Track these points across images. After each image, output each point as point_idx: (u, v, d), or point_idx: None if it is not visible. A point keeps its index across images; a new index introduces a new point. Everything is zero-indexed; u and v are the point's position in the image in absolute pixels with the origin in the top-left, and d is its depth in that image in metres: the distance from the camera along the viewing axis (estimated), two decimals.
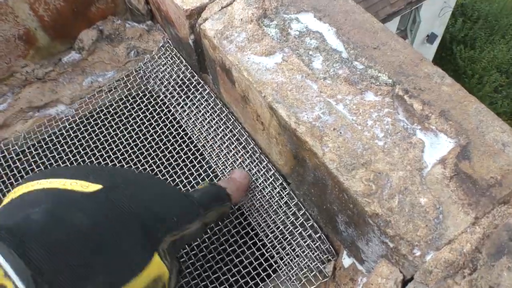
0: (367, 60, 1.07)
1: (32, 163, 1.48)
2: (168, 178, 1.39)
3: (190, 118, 1.46)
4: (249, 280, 1.17)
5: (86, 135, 1.51)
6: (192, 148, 1.42)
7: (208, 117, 1.44)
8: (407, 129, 0.94)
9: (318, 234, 1.18)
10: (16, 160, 1.48)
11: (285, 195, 1.24)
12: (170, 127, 1.48)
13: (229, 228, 1.26)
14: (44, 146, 1.49)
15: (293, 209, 1.23)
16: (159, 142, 1.46)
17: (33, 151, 1.49)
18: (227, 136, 1.38)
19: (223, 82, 1.30)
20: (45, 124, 1.53)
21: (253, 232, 1.24)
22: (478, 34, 9.34)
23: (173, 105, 1.50)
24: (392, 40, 1.11)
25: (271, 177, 1.28)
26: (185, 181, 1.37)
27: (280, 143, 1.12)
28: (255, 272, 1.18)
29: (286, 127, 1.02)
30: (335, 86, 1.03)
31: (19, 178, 1.46)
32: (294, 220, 1.21)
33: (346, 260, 1.11)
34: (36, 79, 1.61)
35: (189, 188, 1.35)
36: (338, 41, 1.12)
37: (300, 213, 1.21)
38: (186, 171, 1.38)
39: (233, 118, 1.40)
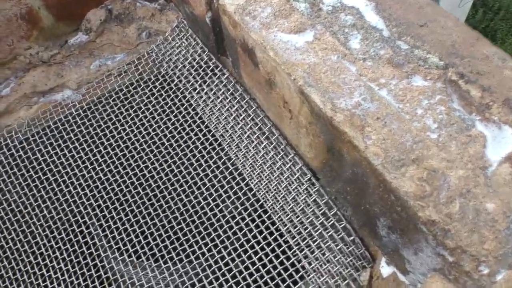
0: (412, 39, 0.92)
1: (37, 151, 1.36)
2: (183, 170, 1.26)
3: (207, 105, 1.33)
4: (273, 287, 1.04)
5: (94, 122, 1.38)
6: (210, 137, 1.29)
7: (227, 104, 1.30)
8: (464, 120, 0.79)
9: (352, 237, 1.05)
10: (20, 149, 1.36)
11: (313, 192, 1.11)
12: (185, 114, 1.35)
13: (251, 228, 1.13)
14: (49, 134, 1.38)
15: (323, 208, 1.09)
16: (173, 131, 1.33)
17: (38, 139, 1.37)
18: (249, 125, 1.25)
19: (244, 65, 1.17)
20: (50, 110, 1.41)
21: (278, 233, 1.11)
22: (499, 25, 9.04)
23: (189, 90, 1.37)
24: (441, 16, 0.96)
25: (297, 172, 1.14)
26: (201, 173, 1.24)
27: (311, 134, 0.98)
28: (279, 278, 1.05)
29: (320, 115, 0.88)
30: (377, 69, 0.89)
31: (22, 168, 1.35)
32: (324, 221, 1.08)
33: (385, 269, 0.97)
34: (40, 62, 1.49)
35: (206, 182, 1.22)
36: (378, 17, 0.98)
37: (331, 213, 1.08)
38: (203, 163, 1.25)
39: (255, 105, 1.26)
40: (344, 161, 0.90)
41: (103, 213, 1.27)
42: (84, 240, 1.28)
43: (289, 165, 1.16)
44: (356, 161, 0.84)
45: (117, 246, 1.21)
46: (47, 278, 1.22)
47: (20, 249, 1.30)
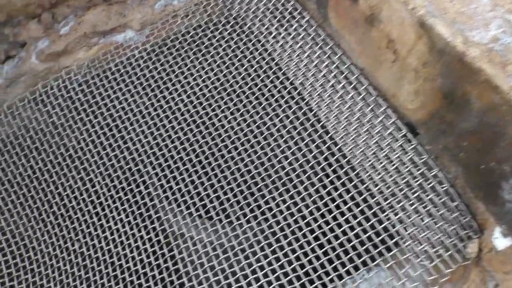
0: None
1: (96, 95, 1.26)
2: (257, 120, 1.14)
3: (285, 51, 1.19)
4: (363, 253, 0.91)
5: (158, 66, 1.27)
6: (288, 85, 1.16)
7: (308, 49, 1.16)
8: None
9: (456, 203, 0.91)
10: (79, 91, 1.27)
11: (409, 150, 0.97)
12: (260, 60, 1.22)
13: (336, 186, 1.00)
14: (110, 77, 1.27)
15: (421, 168, 0.95)
16: (246, 77, 1.20)
17: (98, 82, 1.28)
18: (333, 74, 1.11)
19: (335, 2, 1.02)
20: (111, 51, 1.30)
21: (367, 193, 0.98)
22: None
23: (263, 34, 1.23)
24: None
25: (391, 126, 1.00)
26: (278, 124, 1.12)
27: (422, 78, 0.83)
28: (370, 243, 0.92)
29: (445, 52, 0.73)
30: None
31: (81, 111, 1.26)
32: (423, 182, 0.94)
33: (500, 241, 0.83)
34: (101, 0, 1.38)
35: (283, 134, 1.09)
36: None
37: (431, 174, 0.94)
38: (280, 113, 1.12)
39: (340, 52, 1.12)
40: (467, 108, 0.76)
41: (161, 163, 1.16)
42: (142, 192, 1.18)
43: (380, 118, 1.02)
44: (490, 106, 0.70)
45: (174, 199, 1.11)
46: (106, 228, 1.14)
47: (79, 197, 1.21)
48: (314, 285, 0.90)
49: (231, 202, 1.06)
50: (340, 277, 0.91)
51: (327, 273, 0.92)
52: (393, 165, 0.98)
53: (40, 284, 1.16)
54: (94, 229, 1.17)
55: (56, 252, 1.19)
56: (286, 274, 0.93)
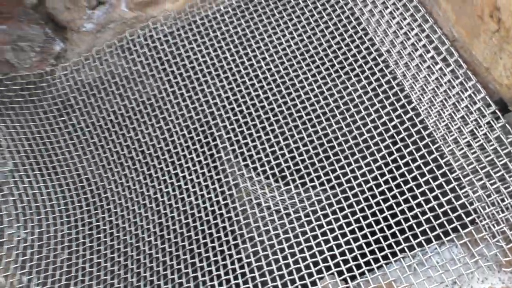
0: None
1: (180, 47, 1.29)
2: (339, 84, 1.13)
3: (373, 15, 1.16)
4: (437, 227, 0.90)
5: (243, 22, 1.27)
6: (373, 51, 1.13)
7: (398, 15, 1.13)
8: None
9: None
10: (164, 42, 1.30)
11: (497, 128, 0.93)
12: (347, 23, 1.19)
13: (415, 157, 0.98)
14: (195, 30, 1.30)
15: (507, 148, 0.91)
16: (330, 40, 1.19)
17: (182, 34, 1.30)
18: (422, 42, 1.07)
19: None
20: (197, 5, 1.32)
21: (447, 167, 0.96)
22: None
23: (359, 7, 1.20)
24: None
25: (479, 101, 0.96)
26: (360, 90, 1.10)
27: None
28: (445, 218, 0.91)
29: None
30: None
31: (165, 62, 1.29)
32: (508, 162, 0.91)
33: None
34: None
35: (364, 100, 1.08)
36: None
37: None
38: (363, 79, 1.11)
39: (432, 20, 1.08)
40: None
41: (238, 119, 1.18)
42: (211, 152, 1.21)
43: (469, 92, 0.98)
44: None
45: (244, 162, 1.13)
46: (181, 178, 1.18)
47: (156, 145, 1.27)
48: (383, 253, 0.91)
49: (305, 164, 1.07)
50: (411, 248, 0.90)
51: (397, 243, 0.91)
52: (478, 141, 0.95)
53: (116, 224, 1.23)
54: (169, 177, 1.22)
55: (131, 195, 1.26)
56: (356, 239, 0.94)
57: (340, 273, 0.91)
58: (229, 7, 1.30)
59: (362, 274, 0.90)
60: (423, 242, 0.90)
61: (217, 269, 1.01)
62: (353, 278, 0.91)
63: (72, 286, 1.13)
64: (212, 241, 1.06)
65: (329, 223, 0.98)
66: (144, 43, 1.31)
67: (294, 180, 1.07)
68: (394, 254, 0.91)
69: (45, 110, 1.32)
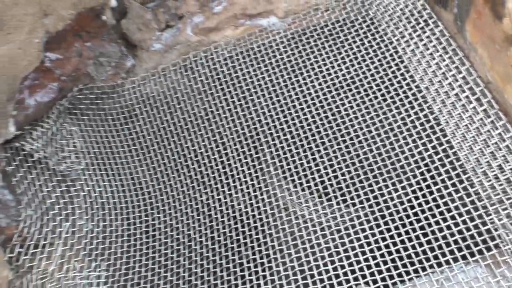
0: None
1: (238, 70, 1.44)
2: (380, 114, 1.26)
3: (415, 55, 1.30)
4: (463, 248, 1.02)
5: (296, 53, 1.42)
6: (413, 88, 1.26)
7: (438, 57, 1.26)
8: None
9: None
10: (223, 65, 1.45)
11: None
12: (390, 60, 1.33)
13: (447, 184, 1.11)
14: (252, 56, 1.45)
15: None
16: (375, 74, 1.32)
17: (240, 58, 1.45)
18: (458, 83, 1.20)
19: (477, 17, 1.11)
20: (255, 33, 1.47)
21: (476, 196, 1.08)
22: None
23: (396, 37, 1.34)
24: None
25: (506, 140, 1.09)
26: (399, 121, 1.23)
27: None
28: (471, 241, 1.03)
29: None
30: None
31: (223, 82, 1.44)
32: None
33: None
34: None
35: (403, 131, 1.21)
36: None
37: None
38: (403, 111, 1.24)
39: (468, 63, 1.21)
40: None
41: (287, 138, 1.32)
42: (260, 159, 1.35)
43: (499, 130, 1.11)
44: None
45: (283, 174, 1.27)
46: (232, 187, 1.32)
47: (210, 156, 1.41)
48: (414, 267, 1.03)
49: (347, 183, 1.20)
50: (439, 265, 1.02)
51: (427, 259, 1.03)
52: (505, 175, 1.07)
53: (170, 224, 1.38)
54: (221, 185, 1.36)
55: (185, 199, 1.40)
56: (390, 253, 1.06)
57: (375, 282, 1.03)
58: (284, 37, 1.45)
59: (394, 284, 1.02)
60: (450, 260, 1.02)
61: (263, 270, 1.15)
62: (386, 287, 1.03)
63: (130, 275, 1.27)
64: (259, 245, 1.20)
65: (366, 237, 1.10)
66: (206, 64, 1.47)
67: (336, 197, 1.20)
68: (423, 269, 1.02)
69: (113, 117, 1.48)
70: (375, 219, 1.12)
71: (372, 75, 1.33)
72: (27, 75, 1.15)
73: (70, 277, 1.17)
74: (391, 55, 1.34)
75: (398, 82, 1.29)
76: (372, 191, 1.17)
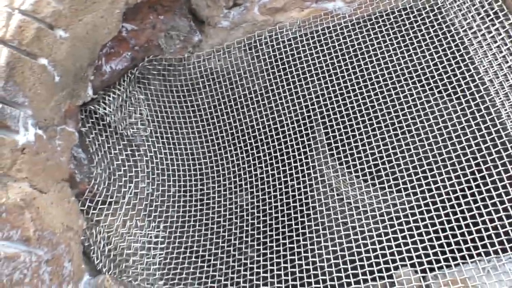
0: None
1: (301, 51, 1.48)
2: (440, 104, 1.27)
3: (482, 47, 1.29)
4: (505, 241, 1.03)
5: (360, 38, 1.44)
6: (477, 79, 1.26)
7: (505, 50, 1.25)
8: None
9: None
10: (287, 45, 1.49)
11: None
12: (455, 51, 1.33)
13: (497, 164, 1.11)
14: (316, 38, 1.48)
15: None
16: (438, 64, 1.33)
17: (304, 40, 1.49)
18: None
19: None
20: (321, 16, 1.50)
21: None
22: None
23: (464, 28, 1.33)
24: None
25: None
26: (456, 113, 1.24)
27: None
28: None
29: None
30: None
31: (285, 62, 1.49)
32: None
33: None
34: None
35: (463, 121, 1.22)
36: None
37: None
38: (463, 102, 1.24)
39: None
40: None
41: (332, 121, 1.35)
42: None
43: None
44: None
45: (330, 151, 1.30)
46: (286, 158, 1.37)
47: (261, 129, 1.46)
48: (461, 253, 1.05)
49: (401, 168, 1.22)
50: (487, 254, 1.04)
51: (476, 247, 1.05)
52: None
53: (223, 194, 1.45)
54: (276, 161, 1.41)
55: (240, 172, 1.47)
56: (438, 239, 1.09)
57: (421, 265, 1.06)
58: (349, 22, 1.47)
59: (440, 268, 1.05)
60: (499, 250, 1.03)
61: (311, 244, 1.20)
62: (432, 271, 1.05)
63: (184, 239, 1.36)
64: (309, 220, 1.25)
65: (415, 221, 1.13)
66: (270, 44, 1.51)
67: (388, 181, 1.22)
68: (471, 257, 1.04)
69: (177, 89, 1.55)
70: (426, 205, 1.14)
71: (435, 64, 1.34)
72: (106, 43, 1.23)
73: (132, 234, 1.25)
74: (456, 45, 1.34)
75: (461, 73, 1.29)
76: (426, 177, 1.18)
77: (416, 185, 1.18)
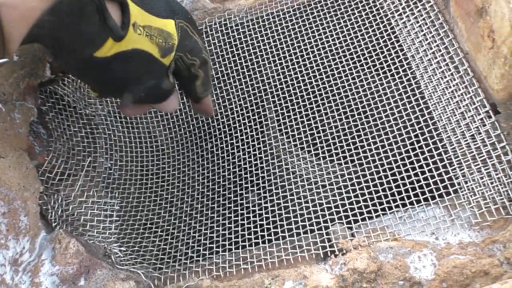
0: None
1: (247, 35, 1.60)
2: (369, 78, 1.41)
3: (406, 27, 1.43)
4: (427, 192, 1.17)
5: (300, 22, 1.57)
6: (401, 55, 1.40)
7: (426, 29, 1.39)
8: None
9: None
10: (235, 30, 1.62)
11: (488, 124, 1.18)
12: (383, 31, 1.47)
13: (419, 139, 1.25)
14: (261, 23, 1.60)
15: (492, 140, 1.17)
16: (368, 43, 1.47)
17: (250, 25, 1.61)
18: (441, 52, 1.34)
19: None
20: (265, 3, 1.62)
21: (443, 149, 1.22)
22: None
23: (391, 10, 1.48)
24: None
25: (477, 102, 1.22)
26: (384, 84, 1.38)
27: (509, 64, 1.05)
28: (434, 186, 1.17)
29: None
30: None
31: (233, 45, 1.61)
32: (491, 151, 1.16)
33: None
34: None
35: (387, 93, 1.36)
36: None
37: (500, 146, 1.15)
38: (389, 76, 1.38)
39: (451, 36, 1.34)
40: None
41: (281, 100, 1.48)
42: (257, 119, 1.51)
43: (471, 94, 1.24)
44: None
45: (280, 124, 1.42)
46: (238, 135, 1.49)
47: (218, 113, 1.58)
48: (382, 206, 1.18)
49: (334, 141, 1.35)
50: (404, 206, 1.17)
51: (394, 201, 1.19)
52: (470, 132, 1.21)
53: (177, 167, 1.56)
54: (225, 136, 1.53)
55: (193, 147, 1.58)
56: (363, 195, 1.22)
57: (346, 218, 1.19)
58: (291, 8, 1.60)
59: (363, 220, 1.18)
60: (414, 202, 1.17)
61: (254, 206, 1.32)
62: (356, 223, 1.19)
63: (140, 208, 1.46)
64: (252, 186, 1.37)
65: (344, 181, 1.26)
66: (219, 29, 1.63)
67: (323, 152, 1.36)
68: (390, 209, 1.18)
69: None
70: (362, 170, 1.28)
71: (366, 43, 1.48)
72: None
73: (90, 202, 1.36)
74: (384, 26, 1.48)
75: (388, 50, 1.43)
76: (358, 147, 1.32)
77: (354, 154, 1.31)
